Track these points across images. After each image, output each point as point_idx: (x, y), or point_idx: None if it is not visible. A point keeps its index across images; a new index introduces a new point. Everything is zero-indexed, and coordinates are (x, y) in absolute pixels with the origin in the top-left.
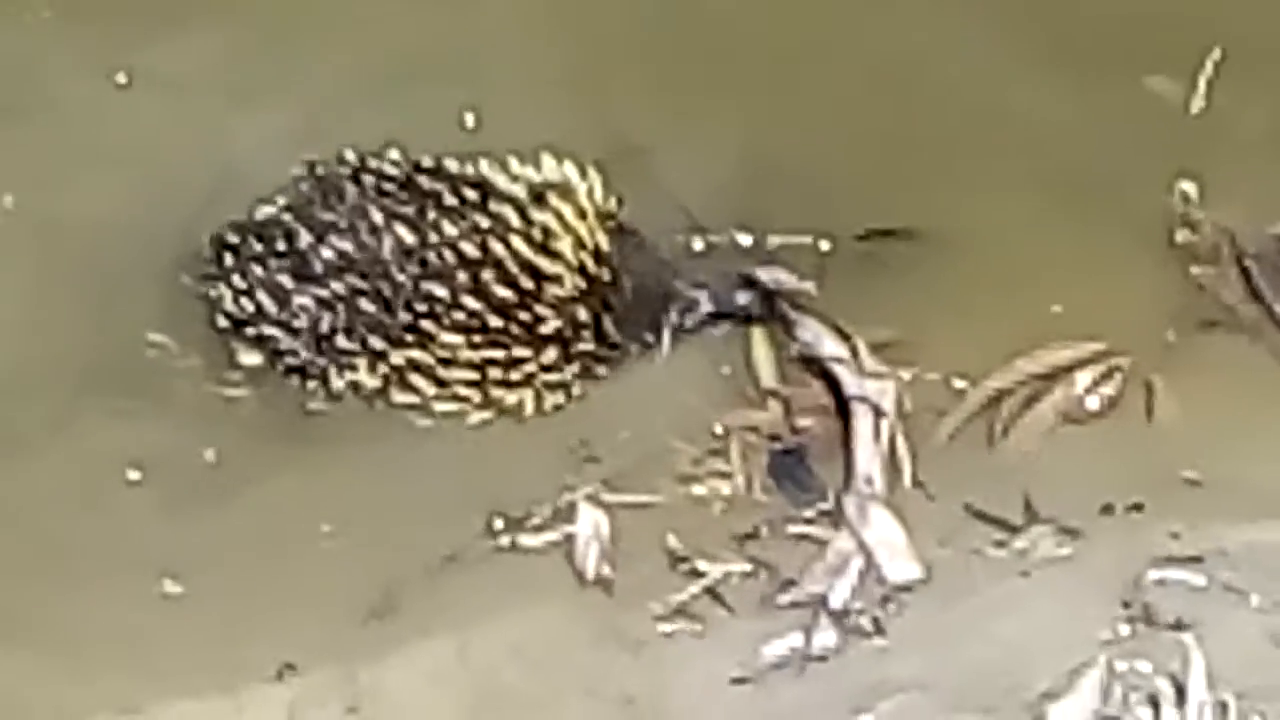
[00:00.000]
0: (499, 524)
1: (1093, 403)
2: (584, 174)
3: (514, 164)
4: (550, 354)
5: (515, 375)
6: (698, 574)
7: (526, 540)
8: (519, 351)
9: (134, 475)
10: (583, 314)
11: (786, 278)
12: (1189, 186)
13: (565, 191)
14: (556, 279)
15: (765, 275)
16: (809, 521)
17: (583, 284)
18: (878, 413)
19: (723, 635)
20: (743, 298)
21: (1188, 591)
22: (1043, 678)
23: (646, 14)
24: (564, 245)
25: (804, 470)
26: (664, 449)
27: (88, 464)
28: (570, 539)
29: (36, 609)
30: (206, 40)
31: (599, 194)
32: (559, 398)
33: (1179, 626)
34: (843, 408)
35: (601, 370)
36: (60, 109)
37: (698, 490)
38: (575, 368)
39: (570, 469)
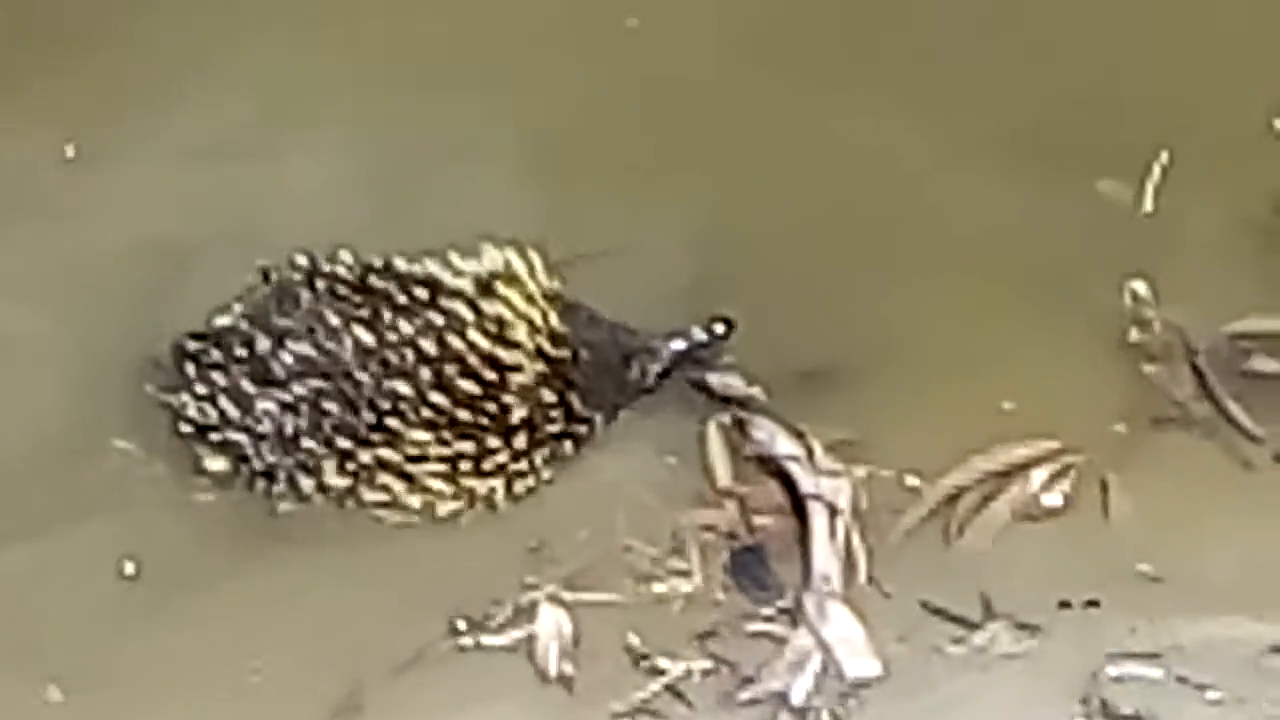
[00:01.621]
0: (461, 624)
1: (1048, 500)
2: (524, 257)
3: (455, 259)
4: (520, 440)
5: (487, 465)
6: (658, 671)
7: (488, 640)
8: (490, 442)
9: (129, 569)
10: (548, 396)
11: (736, 383)
12: (1140, 286)
13: (510, 279)
14: (517, 367)
15: (715, 381)
16: (768, 619)
17: (543, 368)
18: (833, 511)
19: None
20: (700, 334)
21: (1145, 686)
22: None
23: (599, 111)
24: (519, 333)
25: (762, 568)
26: (623, 548)
27: (64, 563)
28: (532, 638)
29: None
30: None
31: (542, 275)
32: (529, 482)
33: None
34: (799, 506)
35: (569, 449)
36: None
37: (657, 589)
38: (545, 451)
39: (530, 569)
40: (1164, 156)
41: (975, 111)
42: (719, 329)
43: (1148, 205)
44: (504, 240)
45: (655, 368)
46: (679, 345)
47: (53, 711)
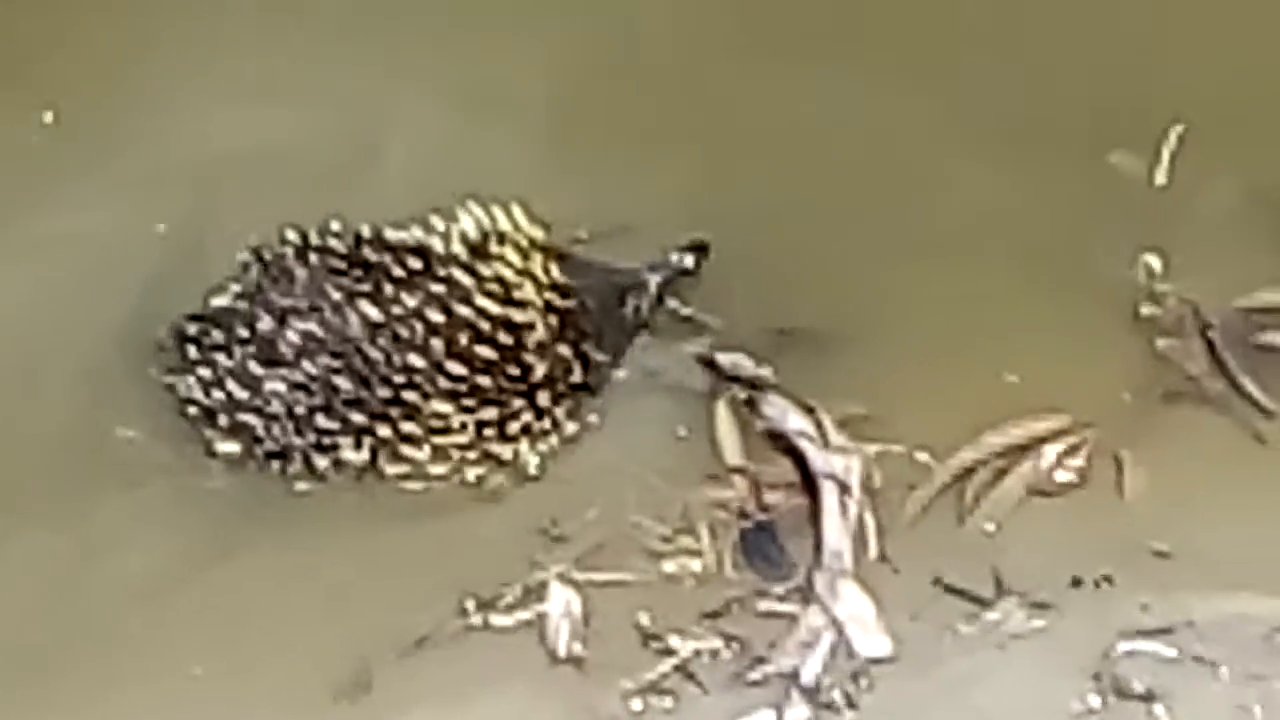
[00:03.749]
0: (471, 604)
1: (1061, 475)
2: (508, 212)
3: (437, 222)
4: (543, 398)
5: (511, 428)
6: (669, 651)
7: (498, 619)
8: (514, 404)
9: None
10: (564, 349)
11: (745, 363)
12: (1153, 260)
13: (500, 236)
14: (531, 325)
15: (725, 360)
16: (779, 597)
17: (555, 321)
18: (844, 488)
19: (695, 712)
20: (679, 259)
21: (1158, 663)
22: None
23: (592, 78)
24: (527, 291)
25: (773, 546)
26: (633, 527)
27: (69, 553)
28: (542, 618)
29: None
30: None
31: (529, 227)
32: (553, 440)
33: (1149, 698)
34: (810, 483)
35: (587, 399)
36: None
37: (668, 567)
38: (567, 405)
39: (540, 548)
40: (1177, 130)
41: (984, 84)
42: (694, 255)
43: (1161, 178)
44: (483, 197)
45: (647, 301)
46: (663, 273)
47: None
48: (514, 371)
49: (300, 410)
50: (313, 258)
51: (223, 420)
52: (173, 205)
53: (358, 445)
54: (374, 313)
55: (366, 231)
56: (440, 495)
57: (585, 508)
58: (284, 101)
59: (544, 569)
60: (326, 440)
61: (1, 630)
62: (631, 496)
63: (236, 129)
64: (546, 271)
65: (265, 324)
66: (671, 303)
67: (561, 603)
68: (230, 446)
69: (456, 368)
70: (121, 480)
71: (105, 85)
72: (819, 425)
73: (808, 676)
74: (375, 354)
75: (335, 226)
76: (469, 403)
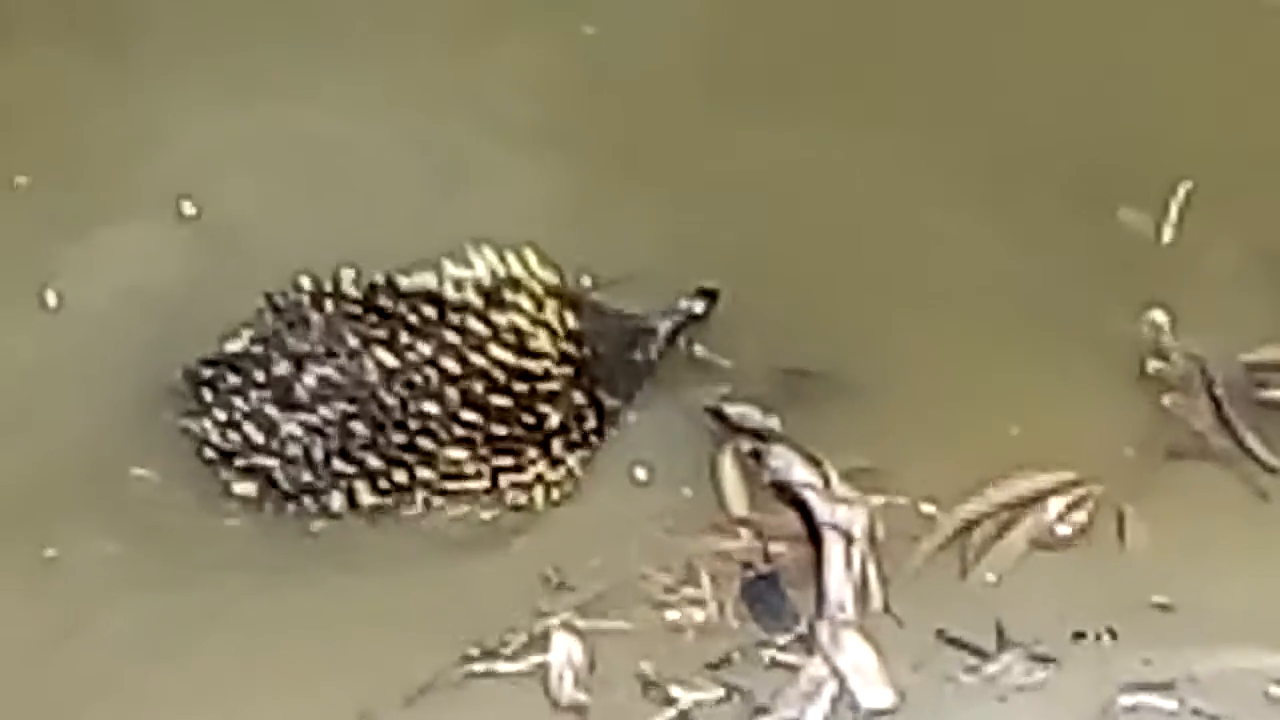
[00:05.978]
0: (474, 651)
1: (1064, 529)
2: (520, 258)
3: (450, 267)
4: (557, 446)
5: (527, 476)
6: (671, 700)
7: (501, 667)
8: (530, 453)
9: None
10: (579, 397)
11: (753, 414)
12: (1159, 316)
13: (514, 283)
14: (546, 375)
15: (732, 411)
16: (782, 647)
17: (569, 370)
18: (849, 539)
19: None
20: (689, 305)
21: (1159, 717)
22: None
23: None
24: (541, 341)
25: (777, 596)
26: (636, 576)
27: (79, 595)
28: (545, 666)
29: None
30: None
31: (542, 273)
32: (567, 487)
33: None
34: (814, 534)
35: (599, 444)
36: None
37: (671, 616)
38: (581, 453)
39: (544, 596)
40: (1185, 186)
41: (997, 139)
42: (704, 301)
43: (1168, 235)
44: (496, 243)
45: (656, 346)
46: (674, 319)
47: None
48: (529, 420)
49: (317, 453)
50: (328, 304)
51: (239, 461)
52: (185, 248)
53: (374, 489)
54: (390, 359)
55: (379, 278)
56: (446, 541)
57: (589, 556)
58: (286, 148)
59: (548, 617)
60: (343, 483)
61: (8, 668)
62: (635, 545)
63: (243, 175)
64: (561, 320)
65: (282, 368)
66: (681, 345)
67: (564, 651)
68: (247, 487)
69: (472, 416)
70: (137, 519)
71: (114, 128)
72: (824, 477)
73: None
74: (391, 400)
75: (348, 274)
76: (484, 450)
